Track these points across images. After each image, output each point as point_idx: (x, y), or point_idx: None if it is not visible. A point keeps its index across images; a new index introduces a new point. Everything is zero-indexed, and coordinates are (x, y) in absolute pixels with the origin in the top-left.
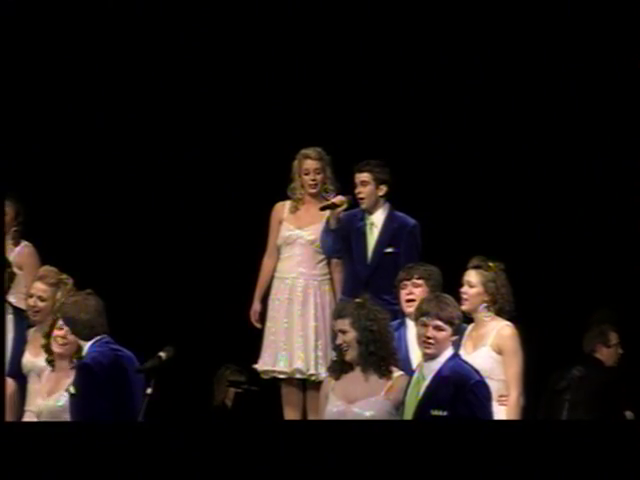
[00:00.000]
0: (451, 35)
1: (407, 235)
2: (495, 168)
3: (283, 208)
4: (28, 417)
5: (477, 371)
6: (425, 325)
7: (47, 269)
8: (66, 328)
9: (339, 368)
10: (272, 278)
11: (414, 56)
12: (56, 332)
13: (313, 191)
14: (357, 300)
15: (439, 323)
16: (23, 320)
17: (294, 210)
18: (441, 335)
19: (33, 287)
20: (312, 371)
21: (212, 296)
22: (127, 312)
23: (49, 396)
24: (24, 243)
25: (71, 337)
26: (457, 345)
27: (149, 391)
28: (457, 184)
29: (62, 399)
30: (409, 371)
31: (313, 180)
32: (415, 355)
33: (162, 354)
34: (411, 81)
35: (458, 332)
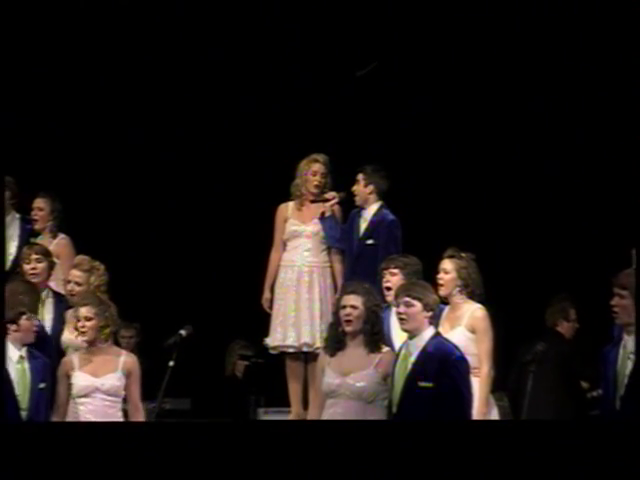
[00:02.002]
0: (428, 38)
1: (385, 229)
2: (467, 176)
3: (286, 208)
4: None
5: (458, 348)
6: (398, 305)
7: (81, 258)
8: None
9: (334, 346)
10: (279, 267)
11: (399, 61)
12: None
13: (316, 191)
14: (365, 285)
15: (407, 299)
16: (61, 303)
17: (298, 208)
18: (411, 310)
19: (70, 274)
20: (318, 344)
21: (225, 283)
22: (154, 296)
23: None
24: (61, 236)
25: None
26: (435, 325)
27: (171, 363)
28: (438, 189)
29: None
30: (393, 349)
31: (319, 182)
32: (397, 335)
33: (182, 332)
34: (399, 87)
35: (431, 309)
